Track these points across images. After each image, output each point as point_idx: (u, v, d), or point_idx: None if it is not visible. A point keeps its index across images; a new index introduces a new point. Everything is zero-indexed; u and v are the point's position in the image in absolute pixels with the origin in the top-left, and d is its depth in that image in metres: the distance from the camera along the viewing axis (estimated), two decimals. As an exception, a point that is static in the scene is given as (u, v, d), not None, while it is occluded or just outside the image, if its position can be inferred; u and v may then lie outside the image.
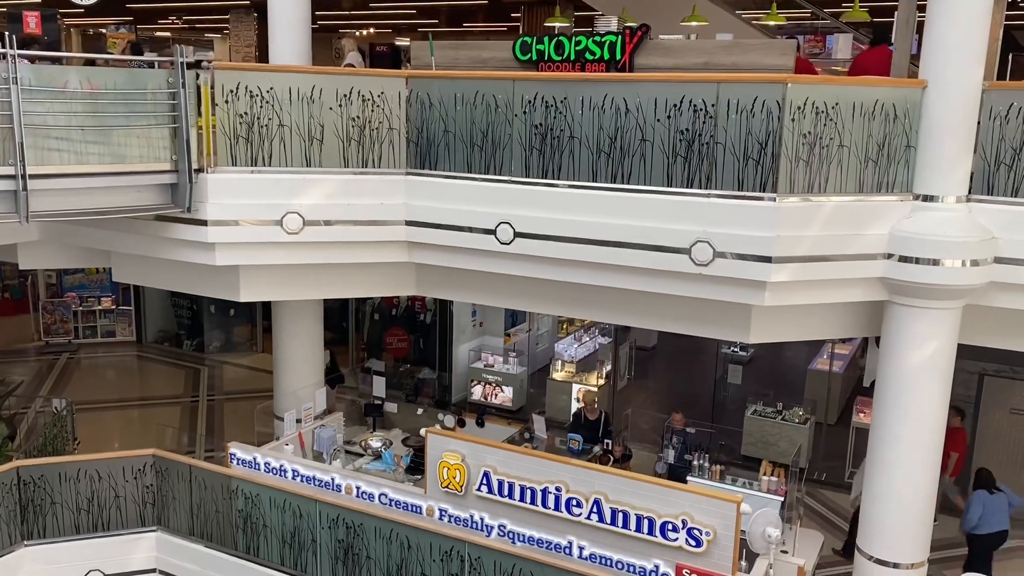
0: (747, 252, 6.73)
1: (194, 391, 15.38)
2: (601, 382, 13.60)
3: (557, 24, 13.06)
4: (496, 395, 14.12)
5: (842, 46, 9.12)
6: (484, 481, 7.55)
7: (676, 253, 6.98)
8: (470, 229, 7.84)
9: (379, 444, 9.04)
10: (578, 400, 13.54)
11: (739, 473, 8.99)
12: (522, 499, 7.40)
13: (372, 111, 7.97)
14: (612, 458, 9.10)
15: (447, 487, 7.74)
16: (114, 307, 18.05)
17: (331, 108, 7.85)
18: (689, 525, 6.72)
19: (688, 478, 8.66)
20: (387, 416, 10.84)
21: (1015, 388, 10.54)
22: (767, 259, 6.67)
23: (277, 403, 10.77)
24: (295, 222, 7.79)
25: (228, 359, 17.14)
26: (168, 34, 29.20)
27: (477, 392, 14.28)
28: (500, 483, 7.48)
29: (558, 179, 7.45)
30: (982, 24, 6.65)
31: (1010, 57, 21.19)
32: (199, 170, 7.58)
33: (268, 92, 7.68)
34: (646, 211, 7.10)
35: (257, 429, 10.58)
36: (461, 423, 10.21)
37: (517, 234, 7.62)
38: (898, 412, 7.30)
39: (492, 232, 7.72)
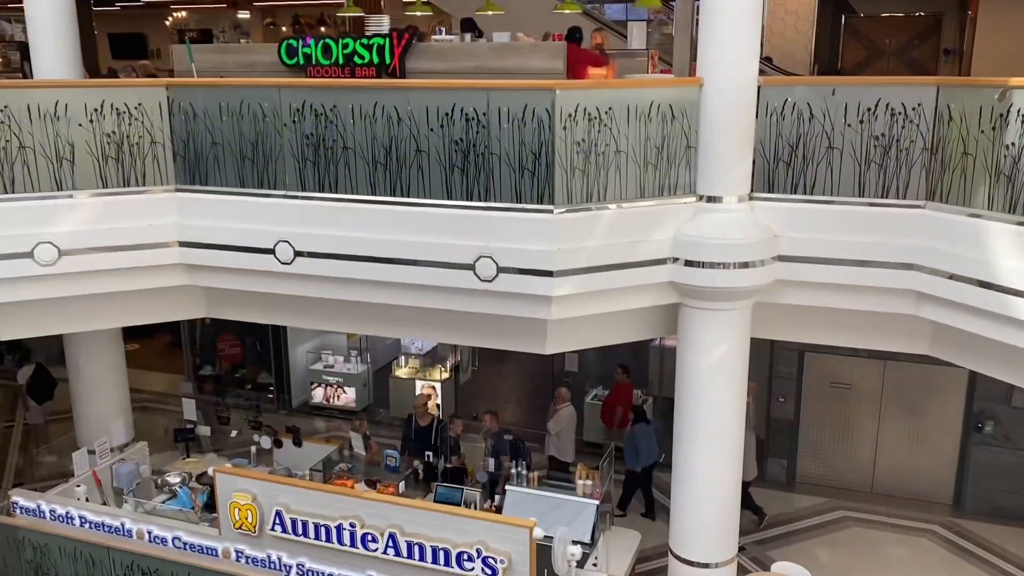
0: (529, 267, 6.43)
1: (11, 413, 14.20)
2: (445, 376, 13.27)
3: (350, 14, 12.10)
4: (339, 396, 13.60)
5: (636, 35, 8.90)
6: (277, 520, 7.08)
7: (460, 269, 6.63)
8: (248, 249, 7.27)
9: (177, 481, 8.42)
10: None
11: (557, 477, 8.84)
12: (317, 537, 6.98)
13: (130, 125, 7.23)
14: (430, 469, 8.75)
15: (240, 528, 7.24)
16: (-78, 324, 16.43)
17: (81, 124, 7.07)
18: (484, 554, 6.46)
19: (507, 488, 8.43)
20: (201, 440, 10.18)
21: (834, 363, 10.78)
22: (548, 273, 6.39)
23: (78, 434, 9.97)
24: (48, 253, 7.02)
25: (56, 372, 15.90)
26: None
27: (318, 395, 13.72)
28: (293, 522, 7.03)
29: (335, 193, 6.95)
30: (753, 18, 6.46)
31: (843, 19, 21.72)
32: (-72, 203, 6.71)
33: (2, 111, 6.84)
34: (427, 226, 6.71)
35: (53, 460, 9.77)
36: (278, 443, 9.67)
37: (297, 253, 7.11)
38: (696, 414, 7.21)
39: (271, 251, 7.18)
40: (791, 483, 11.14)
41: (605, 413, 11.71)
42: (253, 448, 9.76)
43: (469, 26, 7.94)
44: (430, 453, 9.18)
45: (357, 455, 9.40)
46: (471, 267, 6.57)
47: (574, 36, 7.92)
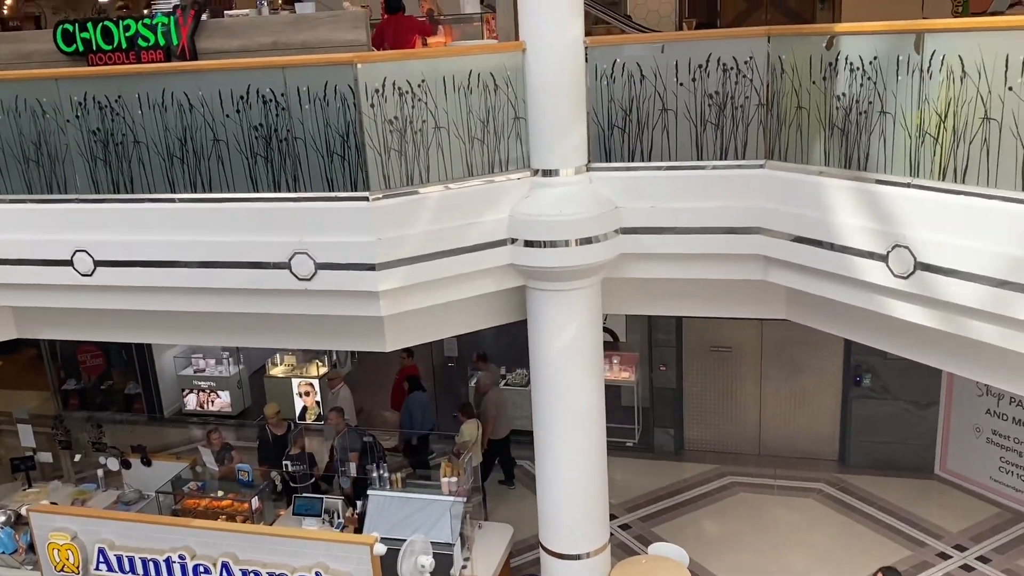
0: (348, 261, 5.86)
1: None
2: (323, 370, 12.62)
3: None
4: (213, 402, 12.83)
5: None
6: (101, 559, 6.42)
7: (276, 268, 6.00)
8: (43, 262, 6.49)
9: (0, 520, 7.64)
10: (300, 396, 12.61)
11: (423, 475, 8.36)
12: (146, 573, 6.34)
13: None
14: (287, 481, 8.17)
15: (63, 570, 6.54)
16: None
17: None
18: (325, 576, 5.94)
19: (368, 492, 7.92)
20: (42, 468, 9.35)
21: (712, 326, 10.55)
22: (370, 267, 5.83)
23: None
24: None
25: None
26: None
27: (192, 401, 12.93)
28: (119, 558, 6.37)
29: (131, 193, 6.23)
30: (573, -27, 5.97)
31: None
32: None
33: None
34: (234, 223, 6.06)
35: None
36: (126, 464, 8.91)
37: (98, 263, 6.37)
38: (552, 401, 6.81)
39: (69, 263, 6.43)
40: (679, 452, 10.94)
41: (395, 397, 11.38)
42: (100, 471, 8.99)
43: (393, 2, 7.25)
44: (287, 463, 8.57)
45: (209, 470, 8.72)
46: (287, 265, 5.96)
47: (392, 5, 7.30)
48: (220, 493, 8.73)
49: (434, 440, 10.60)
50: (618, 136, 6.25)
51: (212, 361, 12.93)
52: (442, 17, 8.22)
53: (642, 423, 11.30)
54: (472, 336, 12.26)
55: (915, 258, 5.02)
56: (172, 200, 6.12)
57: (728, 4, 20.96)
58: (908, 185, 5.06)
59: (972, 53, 4.58)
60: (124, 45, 6.39)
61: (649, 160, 6.21)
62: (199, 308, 6.58)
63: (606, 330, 11.37)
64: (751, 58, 5.85)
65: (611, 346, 11.45)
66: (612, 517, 9.40)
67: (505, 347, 12.23)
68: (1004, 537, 8.87)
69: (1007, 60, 4.43)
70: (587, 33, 6.27)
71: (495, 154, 6.19)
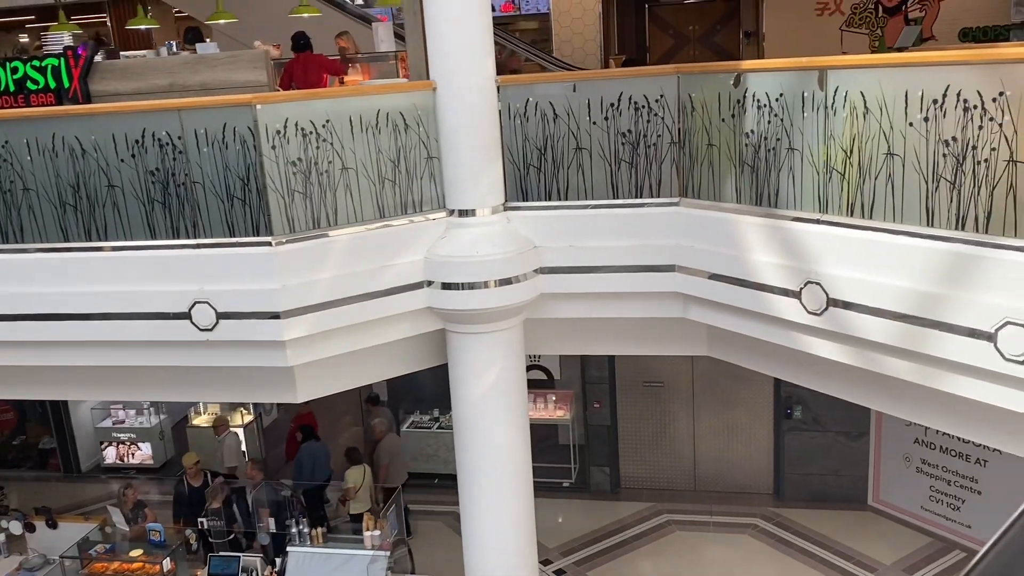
0: (251, 309, 5.59)
1: None
2: (248, 419, 12.18)
3: (143, 26, 11.22)
4: (133, 454, 12.28)
5: (383, 36, 8.18)
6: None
7: (175, 319, 5.70)
8: (-73, 317, 6.09)
9: None
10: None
11: (344, 530, 8.03)
12: (39, 650, 5.89)
13: None
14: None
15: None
16: None
17: None
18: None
19: (288, 548, 7.56)
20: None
21: (643, 361, 10.47)
22: (275, 315, 5.57)
23: None
24: None
25: None
26: None
27: (111, 454, 12.34)
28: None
29: (21, 243, 5.89)
30: (482, 10, 5.88)
31: (646, 9, 21.88)
32: None
33: None
34: (132, 272, 5.76)
35: None
36: (30, 527, 8.40)
37: (-13, 317, 5.99)
38: (476, 443, 6.59)
39: (-45, 318, 6.03)
40: (615, 490, 10.78)
41: (289, 447, 10.99)
42: (1, 536, 8.44)
43: (194, 37, 7.03)
44: (203, 520, 8.16)
45: (119, 531, 8.26)
46: (187, 316, 5.68)
47: (300, 43, 7.13)
48: (138, 552, 8.30)
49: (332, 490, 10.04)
50: (534, 175, 6.14)
51: (132, 412, 12.39)
52: (357, 55, 8.11)
53: (579, 462, 11.12)
54: (406, 377, 12.06)
55: (827, 294, 4.97)
56: (65, 249, 5.81)
57: (656, 41, 21.33)
58: (818, 221, 5.02)
59: (873, 89, 4.58)
60: (12, 88, 6.08)
61: (566, 199, 6.12)
62: (98, 362, 6.23)
63: (540, 368, 11.29)
64: (662, 96, 5.81)
65: (546, 384, 11.30)
66: (547, 562, 9.20)
67: (443, 390, 11.96)
68: (936, 567, 8.87)
69: (906, 96, 4.43)
70: (517, 71, 6.19)
71: (408, 195, 6.02)
